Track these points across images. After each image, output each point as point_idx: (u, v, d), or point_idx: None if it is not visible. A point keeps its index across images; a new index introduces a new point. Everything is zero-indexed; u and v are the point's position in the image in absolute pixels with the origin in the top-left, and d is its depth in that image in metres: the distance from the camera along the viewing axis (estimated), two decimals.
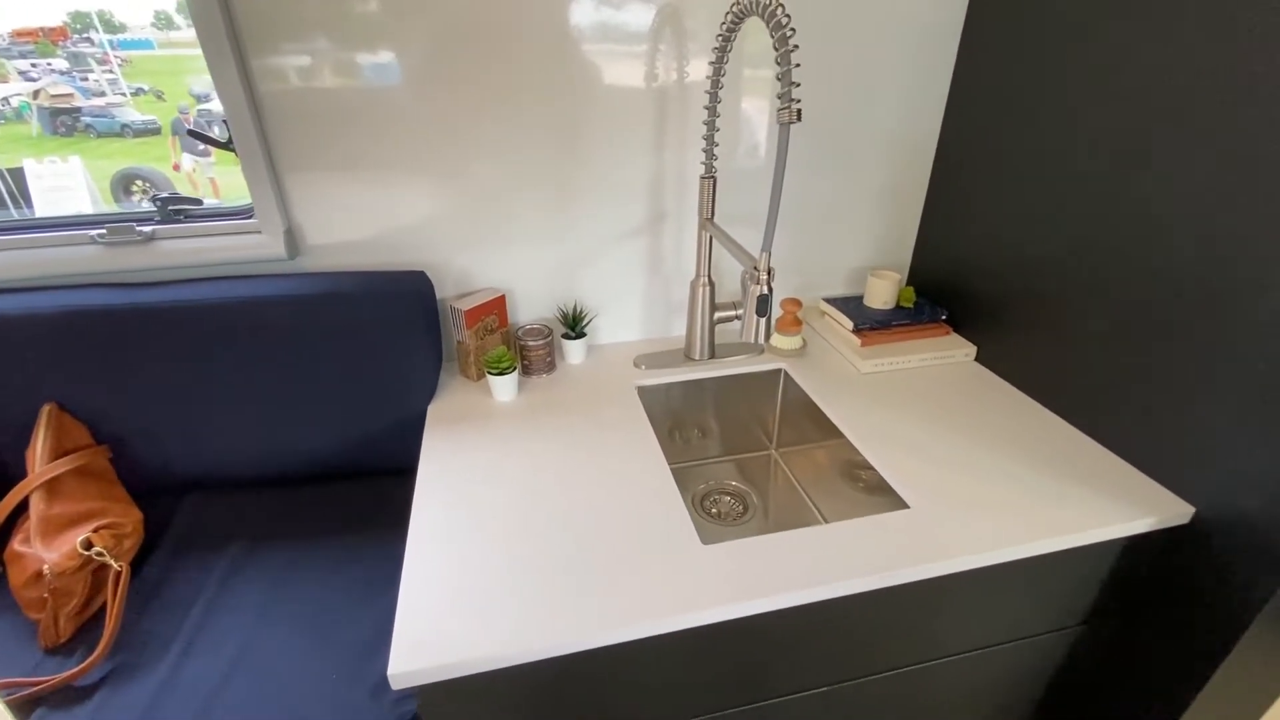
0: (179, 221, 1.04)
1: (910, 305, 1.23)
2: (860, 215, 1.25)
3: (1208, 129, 0.74)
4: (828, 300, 1.27)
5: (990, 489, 0.84)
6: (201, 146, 5.44)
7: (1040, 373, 1.02)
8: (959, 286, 1.19)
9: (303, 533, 1.01)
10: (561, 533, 0.78)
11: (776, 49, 0.72)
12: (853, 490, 1.02)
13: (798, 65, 0.83)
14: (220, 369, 1.00)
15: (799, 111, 0.74)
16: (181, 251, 1.02)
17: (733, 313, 1.09)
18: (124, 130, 7.65)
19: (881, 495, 0.88)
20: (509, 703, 0.70)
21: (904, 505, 0.83)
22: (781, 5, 0.71)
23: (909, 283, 1.33)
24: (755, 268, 0.85)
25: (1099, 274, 0.90)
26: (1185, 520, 0.81)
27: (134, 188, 5.59)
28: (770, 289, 0.85)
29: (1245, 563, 0.75)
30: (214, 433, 1.04)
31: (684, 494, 1.18)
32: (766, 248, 0.83)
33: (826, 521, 0.88)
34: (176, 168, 5.53)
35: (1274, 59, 0.66)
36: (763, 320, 0.87)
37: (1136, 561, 0.85)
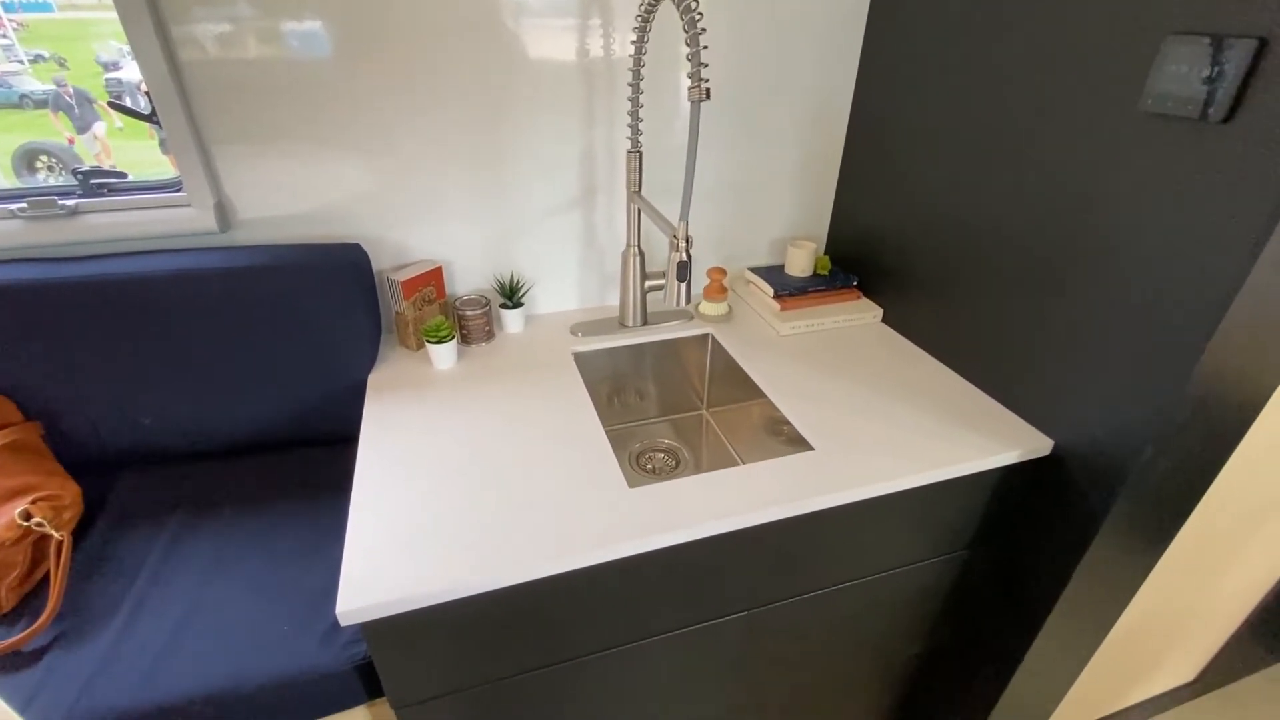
0: (103, 195, 1.03)
1: (826, 273, 1.33)
2: (781, 189, 1.33)
3: (1070, 112, 0.84)
4: (752, 269, 1.35)
5: (886, 431, 0.95)
6: (77, 113, 5.14)
7: (934, 330, 1.14)
8: (868, 255, 1.29)
9: (247, 500, 1.03)
10: (499, 482, 0.84)
11: (686, 30, 0.78)
12: (776, 442, 1.12)
13: (705, 48, 0.89)
14: (153, 343, 1.00)
15: (708, 90, 0.80)
16: (107, 225, 1.01)
17: (663, 281, 1.15)
18: (23, 101, 7.08)
19: (800, 445, 0.98)
20: (452, 638, 0.77)
21: (810, 448, 0.93)
22: None
23: (826, 252, 1.43)
24: (675, 236, 0.92)
25: (982, 244, 1.01)
26: (1046, 452, 0.93)
27: (38, 163, 5.22)
28: (689, 256, 0.93)
29: (1092, 485, 0.88)
30: (150, 407, 1.05)
31: (620, 452, 1.26)
32: (684, 217, 0.90)
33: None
34: (71, 141, 5.22)
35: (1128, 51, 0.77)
36: (684, 285, 0.94)
37: (1010, 489, 0.98)
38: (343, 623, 0.68)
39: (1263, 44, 0.63)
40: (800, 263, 1.31)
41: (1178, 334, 0.75)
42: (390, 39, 0.99)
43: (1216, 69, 0.66)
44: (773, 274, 1.33)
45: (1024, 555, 1.01)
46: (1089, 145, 0.82)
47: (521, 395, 1.03)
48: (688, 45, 0.79)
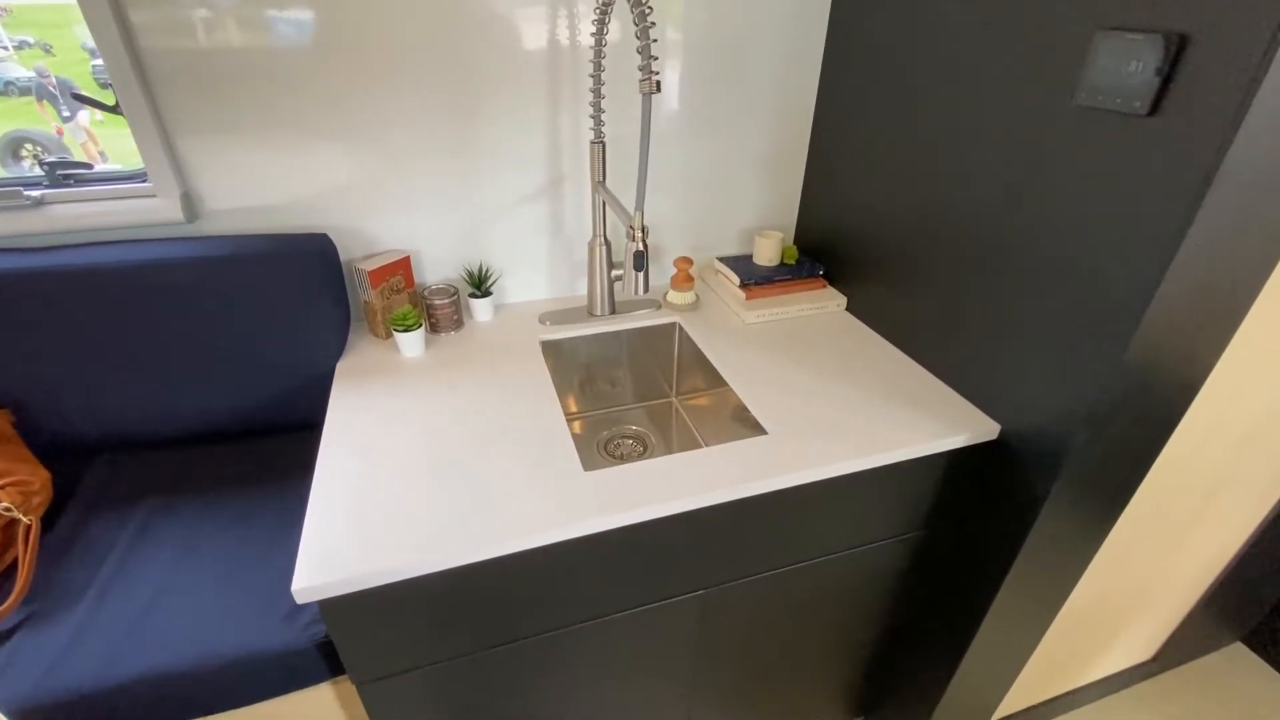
0: (69, 186, 1.04)
1: (793, 262, 1.35)
2: (749, 179, 1.35)
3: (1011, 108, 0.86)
4: (721, 259, 1.37)
5: (840, 416, 0.97)
6: (66, 111, 5.12)
7: (893, 318, 1.16)
8: (834, 244, 1.31)
9: (216, 486, 1.05)
10: (457, 466, 0.86)
11: (635, 24, 0.80)
12: (740, 428, 1.14)
13: (655, 41, 0.90)
14: (121, 332, 1.02)
15: (658, 83, 0.82)
16: (73, 216, 1.02)
17: None
18: (8, 88, 7.01)
19: (758, 430, 1.00)
20: (409, 616, 0.79)
21: (764, 433, 0.95)
22: None
23: (795, 241, 1.45)
24: (631, 226, 0.93)
25: (934, 234, 1.03)
26: (993, 436, 0.96)
27: (24, 152, 5.19)
28: (646, 245, 0.94)
29: (1034, 466, 0.91)
30: (119, 395, 1.06)
31: (589, 438, 1.28)
32: (639, 207, 0.92)
33: None
34: (60, 132, 5.19)
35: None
36: (640, 274, 0.96)
37: (959, 473, 1.01)
38: (299, 600, 0.70)
39: (1184, 40, 0.65)
40: (767, 252, 1.33)
41: (1110, 320, 0.77)
42: (358, 29, 0.99)
43: (1141, 64, 0.68)
44: (740, 263, 1.34)
45: (974, 536, 1.04)
46: (1029, 138, 0.83)
47: (486, 383, 1.05)
48: (638, 39, 0.80)
